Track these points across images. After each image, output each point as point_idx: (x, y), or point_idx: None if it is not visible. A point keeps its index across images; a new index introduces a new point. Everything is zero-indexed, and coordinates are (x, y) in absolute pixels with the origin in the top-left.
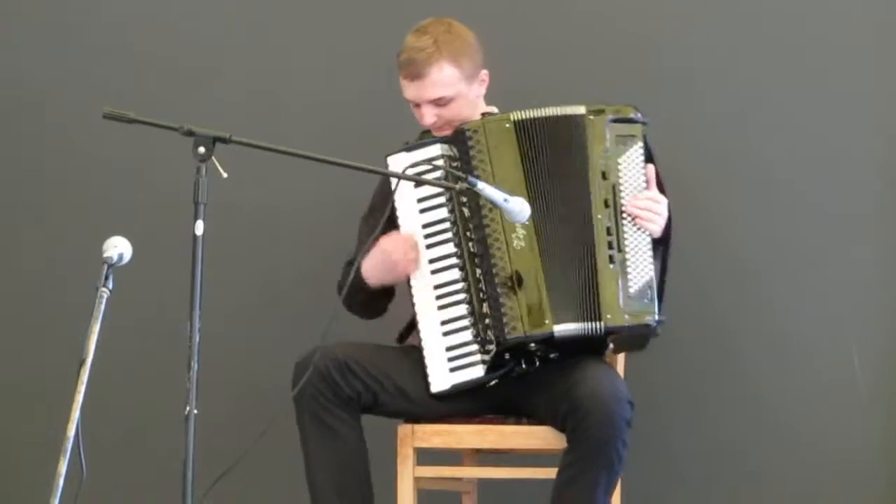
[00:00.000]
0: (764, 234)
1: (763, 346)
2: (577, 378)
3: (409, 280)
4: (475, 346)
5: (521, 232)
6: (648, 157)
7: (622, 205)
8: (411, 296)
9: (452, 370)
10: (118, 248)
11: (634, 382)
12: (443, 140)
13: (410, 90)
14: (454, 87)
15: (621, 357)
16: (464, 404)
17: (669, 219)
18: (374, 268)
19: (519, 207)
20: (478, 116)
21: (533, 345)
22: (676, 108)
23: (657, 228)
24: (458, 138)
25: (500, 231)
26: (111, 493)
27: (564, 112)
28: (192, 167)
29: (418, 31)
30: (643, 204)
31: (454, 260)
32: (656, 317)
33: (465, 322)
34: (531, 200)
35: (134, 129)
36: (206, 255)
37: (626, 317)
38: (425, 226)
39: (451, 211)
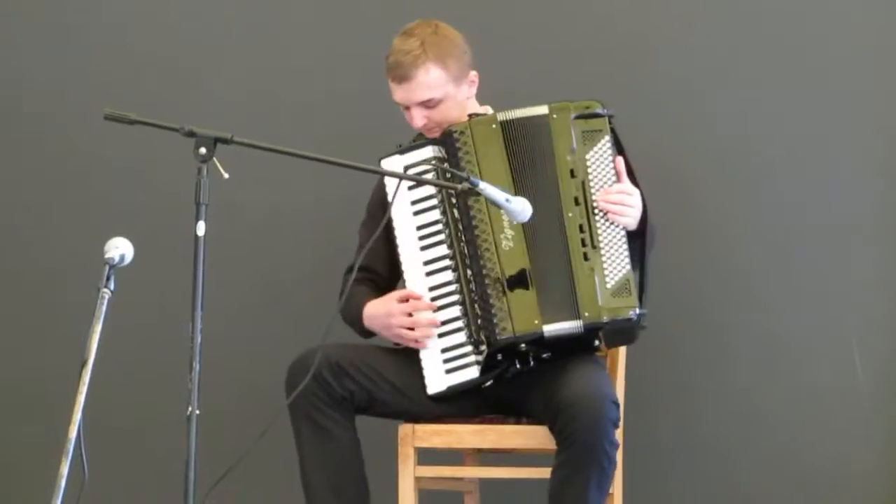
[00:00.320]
0: (764, 235)
1: (763, 347)
2: (563, 380)
3: (404, 282)
4: (469, 348)
5: (509, 232)
6: (618, 150)
7: (593, 201)
8: None
9: (448, 371)
10: (120, 248)
11: (635, 383)
12: (433, 142)
13: (399, 93)
14: (441, 89)
15: (621, 358)
16: (461, 405)
17: (645, 210)
18: (375, 319)
19: (521, 207)
20: (466, 118)
21: (524, 345)
22: (675, 108)
23: (631, 221)
24: (447, 140)
25: (489, 232)
26: (113, 494)
27: (529, 113)
28: (194, 168)
29: (405, 34)
30: (614, 198)
31: (447, 262)
32: (637, 310)
33: (459, 323)
34: None
35: (135, 129)
36: (208, 256)
37: (605, 312)
38: (419, 227)
39: (444, 213)
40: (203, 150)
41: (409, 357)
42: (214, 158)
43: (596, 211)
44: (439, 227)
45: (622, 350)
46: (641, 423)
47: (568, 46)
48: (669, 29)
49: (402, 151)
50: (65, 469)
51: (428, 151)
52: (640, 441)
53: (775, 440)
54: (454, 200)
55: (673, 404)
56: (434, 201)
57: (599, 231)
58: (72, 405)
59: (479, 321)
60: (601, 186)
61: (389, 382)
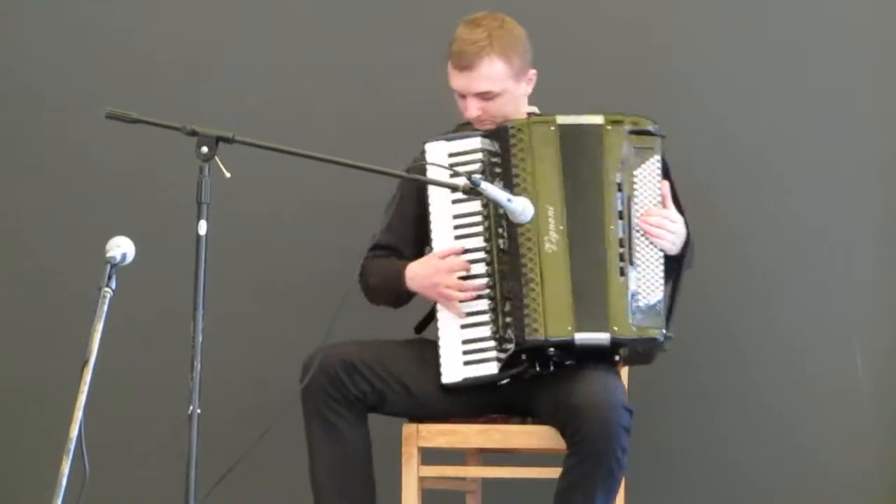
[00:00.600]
0: (765, 236)
1: (765, 347)
2: (577, 385)
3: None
4: (492, 343)
5: (553, 235)
6: (665, 172)
7: (635, 217)
8: None
9: (466, 363)
10: (121, 247)
11: (636, 385)
12: (484, 134)
13: (458, 80)
14: (502, 83)
15: None
16: (469, 400)
17: (688, 237)
18: (417, 277)
19: (521, 208)
20: (522, 114)
21: (552, 349)
22: (679, 109)
23: (670, 246)
24: (501, 135)
25: (535, 231)
26: (114, 493)
27: (584, 120)
28: (196, 167)
29: (471, 23)
30: (655, 221)
31: (482, 254)
32: (664, 331)
33: (486, 318)
34: (567, 206)
35: (137, 128)
36: (209, 255)
37: (634, 329)
38: (456, 216)
39: (485, 205)
40: (205, 149)
41: (421, 354)
42: (216, 157)
43: (637, 228)
44: (478, 218)
45: None
46: (642, 424)
47: (574, 48)
48: (678, 36)
49: (450, 138)
50: (66, 468)
51: (476, 142)
52: (641, 440)
53: (776, 439)
54: None
55: (674, 404)
56: None
57: (638, 249)
58: (73, 404)
59: (507, 318)
60: (645, 204)
61: (402, 384)
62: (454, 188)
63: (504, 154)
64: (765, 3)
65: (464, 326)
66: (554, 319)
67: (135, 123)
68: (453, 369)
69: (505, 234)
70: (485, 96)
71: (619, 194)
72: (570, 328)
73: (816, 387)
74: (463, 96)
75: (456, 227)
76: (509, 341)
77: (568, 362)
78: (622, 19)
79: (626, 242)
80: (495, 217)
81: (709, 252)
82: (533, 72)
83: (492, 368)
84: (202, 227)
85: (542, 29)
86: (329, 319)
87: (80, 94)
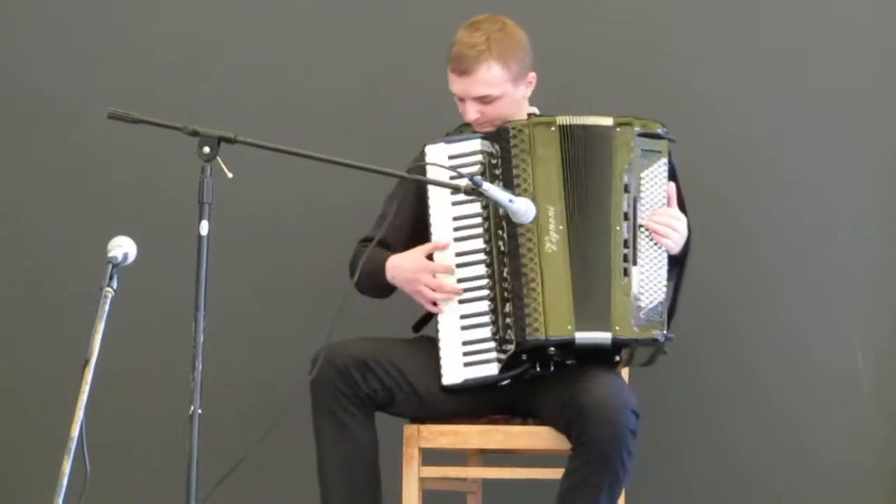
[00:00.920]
0: (766, 236)
1: (766, 347)
2: (583, 385)
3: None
4: (492, 344)
5: (553, 236)
6: (672, 175)
7: (641, 219)
8: None
9: (467, 365)
10: (123, 247)
11: (638, 386)
12: (484, 136)
13: (457, 85)
14: (500, 87)
15: None
16: (471, 401)
17: (689, 239)
18: (400, 270)
19: (524, 208)
20: (522, 116)
21: (552, 349)
22: (679, 109)
23: (674, 246)
24: (501, 136)
25: (534, 232)
26: (115, 493)
27: (592, 121)
28: (197, 167)
29: (471, 27)
30: (662, 220)
31: (482, 255)
32: (665, 332)
33: (486, 319)
34: (567, 206)
35: (139, 129)
36: (211, 256)
37: (636, 329)
38: (456, 218)
39: (485, 206)
40: (207, 150)
41: (426, 354)
42: (218, 158)
43: (642, 229)
44: (478, 220)
45: None
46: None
47: (576, 49)
48: (677, 32)
49: (450, 140)
50: (67, 468)
51: (476, 144)
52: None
53: (778, 439)
54: None
55: (677, 405)
56: None
57: (642, 249)
58: (74, 404)
59: (507, 319)
60: (651, 207)
61: (409, 384)
62: (456, 189)
63: (504, 155)
64: (765, 3)
65: (464, 328)
66: (554, 319)
67: (136, 124)
68: (454, 370)
69: (505, 235)
70: (483, 100)
71: (625, 195)
72: (570, 327)
73: (818, 386)
74: (462, 99)
75: (456, 229)
76: (509, 342)
77: (569, 362)
78: (623, 20)
79: (631, 243)
80: (495, 218)
81: (711, 252)
82: (533, 75)
83: (492, 369)
84: (204, 228)
85: (542, 30)
86: (330, 320)
87: (81, 95)
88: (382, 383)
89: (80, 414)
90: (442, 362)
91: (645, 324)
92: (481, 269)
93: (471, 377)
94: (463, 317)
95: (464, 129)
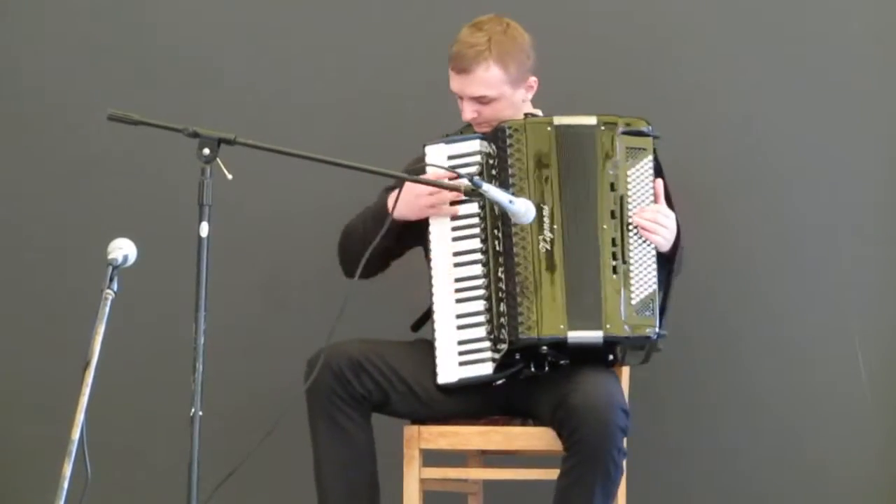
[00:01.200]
0: (767, 237)
1: (767, 348)
2: (573, 385)
3: (430, 269)
4: (487, 344)
5: (548, 235)
6: (658, 172)
7: (629, 217)
8: (431, 285)
9: (462, 364)
10: (123, 249)
11: (637, 386)
12: (482, 136)
13: (455, 83)
14: (497, 89)
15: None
16: (468, 401)
17: (678, 236)
18: (400, 199)
19: (524, 209)
20: (519, 117)
21: (545, 348)
22: (679, 109)
23: (663, 241)
24: (498, 136)
25: (529, 231)
26: (115, 496)
27: (578, 121)
28: (197, 169)
29: (474, 26)
30: (649, 216)
31: (478, 255)
32: (657, 329)
33: (481, 318)
34: (561, 206)
35: (139, 130)
36: (211, 258)
37: (626, 327)
38: (454, 218)
39: (482, 207)
40: (206, 151)
41: (422, 355)
42: (218, 159)
43: (630, 227)
44: (475, 220)
45: None
46: (645, 425)
47: (577, 48)
48: (678, 32)
49: (449, 141)
50: (67, 470)
51: (475, 144)
52: (643, 442)
53: (777, 440)
54: None
55: (676, 406)
56: None
57: (631, 247)
58: (75, 406)
59: (502, 319)
60: (638, 204)
61: (405, 384)
62: (456, 190)
63: (500, 154)
64: (765, 3)
65: (459, 327)
66: (547, 318)
67: (136, 125)
68: (448, 369)
69: (501, 235)
70: (480, 100)
71: (612, 194)
72: (562, 326)
73: (818, 388)
74: (460, 98)
75: (454, 229)
76: (503, 341)
77: (562, 362)
78: (624, 20)
79: (619, 241)
80: (492, 218)
81: (709, 253)
82: (534, 79)
83: (487, 369)
84: (204, 229)
85: (543, 29)
86: (331, 321)
87: (81, 96)
88: (377, 383)
89: (80, 416)
90: (437, 361)
91: (636, 321)
92: (478, 269)
93: (465, 376)
94: (458, 316)
95: (465, 130)
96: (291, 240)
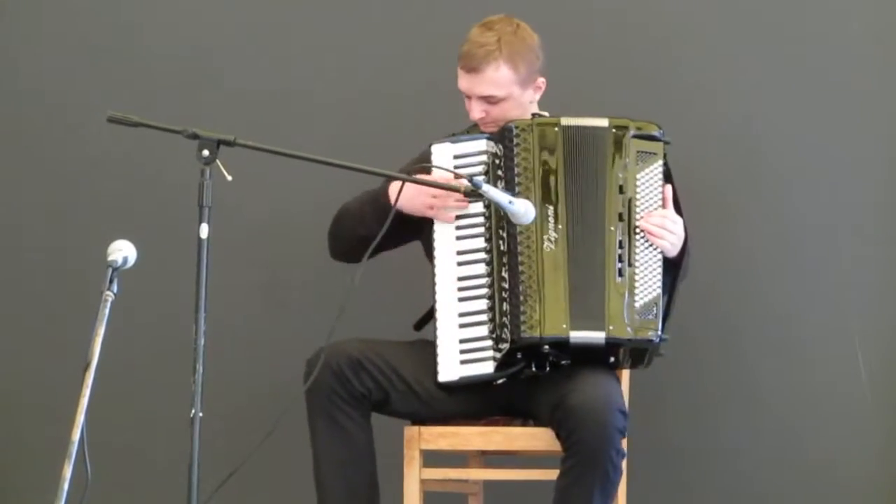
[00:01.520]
0: (767, 236)
1: (767, 348)
2: (571, 386)
3: (433, 268)
4: (489, 343)
5: (552, 235)
6: (667, 177)
7: (636, 220)
8: (433, 283)
9: (463, 362)
10: (123, 251)
11: (638, 387)
12: (489, 136)
13: (464, 81)
14: (506, 89)
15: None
16: (469, 401)
17: (686, 241)
18: (405, 189)
19: (523, 209)
20: (527, 118)
21: (546, 347)
22: (680, 110)
23: (669, 247)
24: (505, 136)
25: (534, 230)
26: (116, 497)
27: (589, 122)
28: (197, 170)
29: (485, 26)
30: (656, 221)
31: (482, 255)
32: (659, 333)
33: (483, 317)
34: (568, 206)
35: (138, 132)
36: (211, 259)
37: (629, 330)
38: (459, 217)
39: (487, 206)
40: (206, 153)
41: (423, 355)
42: (218, 161)
43: (637, 230)
44: (480, 219)
45: None
46: (645, 425)
47: (576, 48)
48: (679, 33)
49: (456, 140)
50: (68, 472)
51: (482, 144)
52: (643, 443)
53: (778, 440)
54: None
55: (677, 406)
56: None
57: (637, 250)
58: (75, 408)
59: (504, 318)
60: (646, 208)
61: (405, 383)
62: (456, 191)
63: (507, 154)
64: (766, 3)
65: (461, 325)
66: (550, 318)
67: (136, 127)
68: (450, 368)
69: (505, 235)
70: (489, 100)
71: (620, 196)
72: (565, 326)
73: (818, 388)
74: (468, 97)
75: (458, 228)
76: (505, 340)
77: (564, 362)
78: (626, 21)
79: (626, 244)
80: (496, 218)
81: (709, 253)
82: (542, 80)
83: (488, 367)
84: (204, 231)
85: (547, 30)
86: (331, 321)
87: (81, 97)
88: (376, 381)
89: (80, 418)
90: (438, 359)
91: (639, 324)
92: (481, 269)
93: (466, 375)
94: (461, 315)
95: (471, 130)
96: (291, 240)
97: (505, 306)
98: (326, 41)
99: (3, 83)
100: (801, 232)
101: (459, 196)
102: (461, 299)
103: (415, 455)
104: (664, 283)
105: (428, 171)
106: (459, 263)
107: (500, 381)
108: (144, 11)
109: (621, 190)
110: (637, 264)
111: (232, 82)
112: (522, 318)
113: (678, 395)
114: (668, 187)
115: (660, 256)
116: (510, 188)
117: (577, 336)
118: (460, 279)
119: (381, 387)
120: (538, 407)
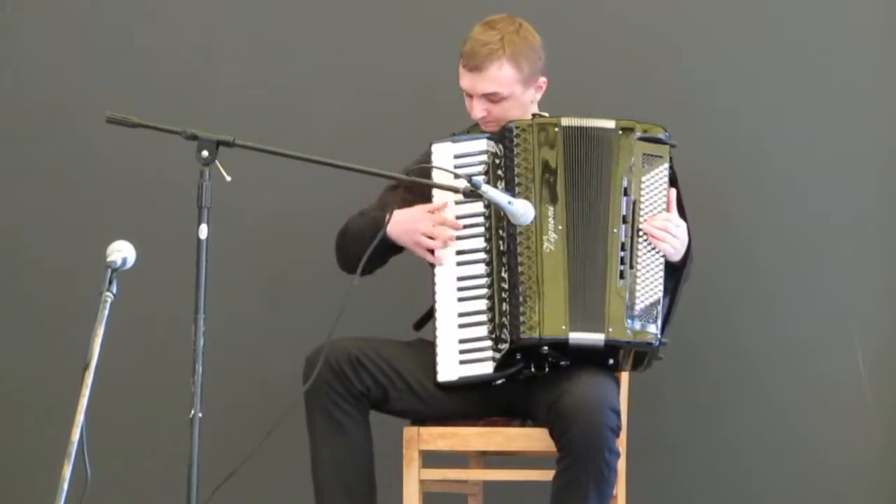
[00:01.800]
0: (767, 236)
1: (767, 347)
2: (566, 387)
3: (433, 268)
4: (488, 343)
5: (552, 236)
6: (672, 181)
7: (640, 223)
8: (433, 283)
9: (462, 362)
10: (122, 252)
11: (638, 386)
12: (489, 136)
13: (466, 80)
14: (509, 88)
15: None
16: (468, 401)
17: (689, 246)
18: (400, 222)
19: (523, 210)
20: (527, 117)
21: (546, 348)
22: (681, 110)
23: (672, 250)
24: (505, 136)
25: (533, 231)
26: (115, 497)
27: (595, 124)
28: (196, 171)
29: (487, 25)
30: (659, 224)
31: (482, 255)
32: (659, 336)
33: (483, 318)
34: (568, 207)
35: (137, 132)
36: (210, 259)
37: (629, 332)
38: (459, 217)
39: (487, 206)
40: (205, 154)
41: (422, 354)
42: (217, 161)
43: (640, 233)
44: (480, 220)
45: None
46: (646, 424)
47: (581, 50)
48: (680, 34)
49: (456, 140)
50: (67, 472)
51: (482, 144)
52: (643, 442)
53: (778, 439)
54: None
55: (677, 404)
56: None
57: (640, 253)
58: (74, 408)
59: (504, 318)
60: (650, 211)
61: (404, 381)
62: (455, 191)
63: (507, 154)
64: (766, 4)
65: (461, 326)
66: (549, 319)
67: (135, 128)
68: (449, 368)
69: (505, 235)
70: (491, 98)
71: (625, 199)
72: (564, 327)
73: (818, 386)
74: (470, 96)
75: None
76: (504, 341)
77: (563, 363)
78: (628, 22)
79: (628, 246)
80: (496, 218)
81: (711, 252)
82: (543, 80)
83: (487, 368)
84: (203, 231)
85: (550, 30)
86: (331, 321)
87: (81, 98)
88: (375, 379)
89: (80, 418)
90: (438, 359)
91: (639, 327)
92: (481, 269)
93: (465, 375)
94: (461, 315)
95: (472, 130)
96: (291, 240)
97: (504, 307)
98: (326, 41)
99: (3, 83)
100: (801, 232)
101: (451, 236)
102: (461, 299)
103: (414, 456)
104: (666, 287)
105: (423, 173)
106: (459, 263)
107: (499, 382)
108: (144, 11)
109: (626, 192)
110: (639, 267)
111: (232, 82)
112: (522, 318)
113: (678, 394)
114: (673, 191)
115: (662, 260)
116: (510, 188)
117: (577, 337)
118: (460, 279)
119: (380, 385)
120: (536, 407)
